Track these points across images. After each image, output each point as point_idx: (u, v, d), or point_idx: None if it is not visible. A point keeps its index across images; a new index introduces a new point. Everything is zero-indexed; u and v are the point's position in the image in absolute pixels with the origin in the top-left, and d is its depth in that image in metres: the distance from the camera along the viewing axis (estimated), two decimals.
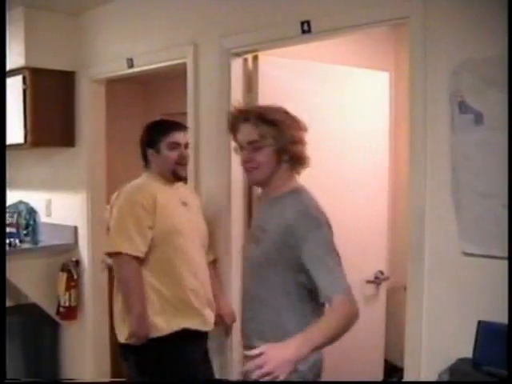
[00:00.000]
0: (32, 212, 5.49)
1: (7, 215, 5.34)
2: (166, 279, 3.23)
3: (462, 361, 2.61)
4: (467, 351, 2.59)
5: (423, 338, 2.93)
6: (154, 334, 3.19)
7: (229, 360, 3.81)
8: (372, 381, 4.41)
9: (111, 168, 5.23)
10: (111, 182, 5.27)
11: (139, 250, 3.16)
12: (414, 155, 2.95)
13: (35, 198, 5.53)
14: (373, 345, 4.39)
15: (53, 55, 4.94)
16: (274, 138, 2.69)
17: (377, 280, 4.32)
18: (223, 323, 3.60)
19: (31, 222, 5.45)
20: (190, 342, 3.28)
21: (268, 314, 2.66)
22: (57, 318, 5.19)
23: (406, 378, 3.06)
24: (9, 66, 4.89)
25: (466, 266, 2.75)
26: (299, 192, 2.78)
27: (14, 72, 4.89)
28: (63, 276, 5.06)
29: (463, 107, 2.72)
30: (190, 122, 4.02)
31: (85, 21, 4.98)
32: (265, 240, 2.66)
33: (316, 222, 2.64)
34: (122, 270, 3.19)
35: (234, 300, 3.68)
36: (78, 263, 5.14)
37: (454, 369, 2.58)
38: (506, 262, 2.53)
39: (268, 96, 3.82)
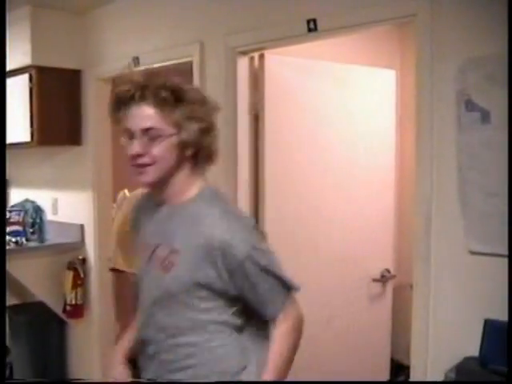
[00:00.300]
0: (38, 210, 5.49)
1: (14, 213, 5.34)
2: None
3: (468, 359, 2.61)
4: (474, 350, 2.58)
5: (430, 337, 2.93)
6: None
7: None
8: (378, 380, 4.40)
9: (117, 166, 5.23)
10: (117, 181, 5.28)
11: (133, 266, 3.11)
12: (421, 154, 2.94)
13: (42, 197, 5.54)
14: (379, 343, 4.39)
15: (59, 54, 4.95)
16: (179, 124, 2.11)
17: (383, 278, 4.32)
18: None
19: (38, 221, 5.45)
20: None
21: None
22: (63, 317, 5.20)
23: (413, 377, 3.06)
24: (15, 64, 4.91)
25: (473, 264, 2.74)
26: (215, 196, 2.26)
27: (21, 71, 4.91)
28: (70, 274, 5.07)
29: (470, 105, 2.71)
30: None
31: (91, 19, 4.98)
32: (180, 264, 2.11)
33: (254, 233, 2.21)
34: (117, 286, 3.15)
35: None
36: (84, 261, 5.15)
37: (460, 367, 2.58)
38: None
39: (274, 95, 3.83)
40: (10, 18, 4.75)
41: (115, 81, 4.51)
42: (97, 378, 5.11)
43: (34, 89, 4.84)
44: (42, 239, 5.36)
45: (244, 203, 3.83)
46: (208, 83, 3.98)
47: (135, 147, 2.12)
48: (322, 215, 4.04)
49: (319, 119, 4.00)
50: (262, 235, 2.28)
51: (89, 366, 5.24)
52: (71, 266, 5.10)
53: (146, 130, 2.08)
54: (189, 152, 2.15)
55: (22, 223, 5.29)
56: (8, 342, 5.31)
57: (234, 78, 3.81)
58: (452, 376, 2.59)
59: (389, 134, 4.32)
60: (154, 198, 2.29)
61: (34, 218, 5.45)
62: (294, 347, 2.26)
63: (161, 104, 2.07)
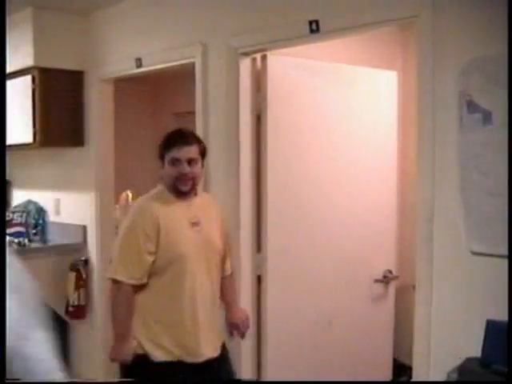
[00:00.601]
0: (41, 211, 5.50)
1: (16, 215, 5.35)
2: (167, 305, 3.14)
3: (470, 360, 2.61)
4: (476, 350, 2.58)
5: (432, 337, 2.93)
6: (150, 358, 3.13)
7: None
8: (380, 380, 4.41)
9: (120, 167, 5.24)
10: (120, 182, 5.29)
11: (134, 277, 3.07)
12: (422, 154, 2.95)
13: (44, 198, 5.55)
14: (381, 344, 4.39)
15: (61, 55, 4.96)
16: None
17: (385, 279, 4.32)
18: (238, 331, 3.50)
19: (40, 222, 5.46)
20: (177, 372, 3.16)
21: None
22: (66, 318, 5.20)
23: (415, 377, 3.06)
24: (17, 66, 4.92)
25: (475, 265, 2.75)
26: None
27: (23, 72, 4.92)
28: (72, 275, 5.08)
29: (471, 107, 2.72)
30: (198, 122, 4.04)
31: (93, 21, 4.99)
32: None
33: None
34: (113, 296, 3.14)
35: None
36: (86, 262, 5.16)
37: (462, 368, 2.58)
38: None
39: (276, 95, 3.83)
40: (12, 19, 4.77)
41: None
42: (99, 378, 5.12)
43: (37, 90, 4.85)
44: (44, 240, 5.37)
45: (246, 203, 3.84)
46: (210, 84, 3.99)
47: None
48: (324, 216, 4.04)
49: (321, 120, 4.00)
50: None
51: (91, 366, 5.24)
52: (74, 267, 5.10)
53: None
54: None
55: (25, 224, 5.31)
56: None
57: (236, 79, 3.82)
58: (454, 376, 2.59)
59: (391, 135, 4.33)
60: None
61: (37, 219, 5.46)
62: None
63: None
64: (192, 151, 3.14)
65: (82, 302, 5.10)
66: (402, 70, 4.67)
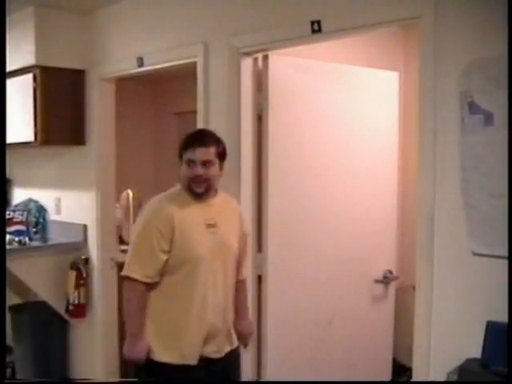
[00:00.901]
0: (42, 210, 5.51)
1: (17, 213, 5.35)
2: (177, 306, 3.13)
3: (470, 361, 2.61)
4: (476, 351, 2.59)
5: (432, 338, 2.93)
6: (152, 357, 3.13)
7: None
8: (380, 381, 4.41)
9: (121, 166, 5.25)
10: (121, 181, 5.30)
11: (148, 275, 3.07)
12: (424, 155, 2.95)
13: (45, 196, 5.55)
14: (381, 344, 4.40)
15: (63, 54, 4.96)
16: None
17: (386, 279, 4.32)
18: (242, 340, 3.47)
19: (41, 220, 5.47)
20: (184, 374, 3.15)
21: None
22: (66, 316, 5.21)
23: (415, 378, 3.06)
24: (19, 64, 4.92)
25: (475, 266, 2.75)
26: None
27: (25, 70, 4.92)
28: (72, 274, 5.07)
29: (473, 107, 2.72)
30: (199, 121, 4.04)
31: (95, 19, 4.99)
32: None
33: None
34: (126, 293, 3.14)
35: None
36: (87, 261, 5.16)
37: (462, 369, 2.58)
38: None
39: (278, 95, 3.84)
40: (14, 18, 4.78)
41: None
42: (99, 377, 5.13)
43: (38, 89, 4.85)
44: (44, 239, 5.37)
45: (247, 203, 3.84)
46: (212, 84, 3.99)
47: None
48: (324, 216, 4.04)
49: (322, 120, 4.01)
50: None
51: (91, 365, 5.25)
52: (74, 266, 5.10)
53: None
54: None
55: (25, 223, 5.30)
56: (11, 341, 5.32)
57: (237, 79, 3.82)
58: (454, 377, 2.59)
59: (392, 135, 4.33)
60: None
61: (37, 217, 5.47)
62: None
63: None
64: (208, 153, 3.11)
65: (83, 301, 5.10)
66: (403, 71, 4.68)
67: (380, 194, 4.27)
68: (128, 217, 5.88)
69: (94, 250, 5.14)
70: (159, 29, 4.38)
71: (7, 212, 5.30)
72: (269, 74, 3.82)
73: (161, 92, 7.00)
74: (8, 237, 5.01)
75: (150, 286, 3.10)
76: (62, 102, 5.00)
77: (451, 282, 2.86)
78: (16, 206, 5.60)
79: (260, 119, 3.87)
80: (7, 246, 4.82)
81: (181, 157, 3.18)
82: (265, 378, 3.91)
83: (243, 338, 3.45)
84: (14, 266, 4.75)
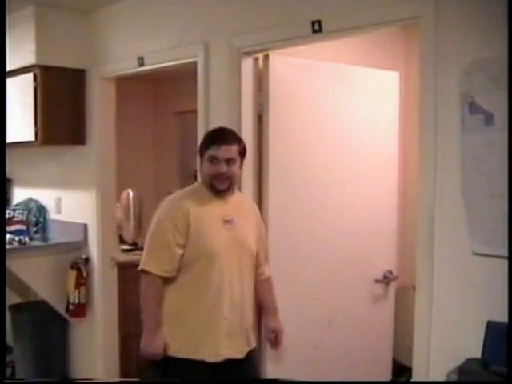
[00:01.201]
0: (42, 209, 5.51)
1: (17, 212, 5.36)
2: (192, 301, 3.14)
3: (470, 361, 2.61)
4: (476, 351, 2.59)
5: (432, 338, 2.93)
6: (169, 353, 3.13)
7: None
8: (380, 381, 4.41)
9: (121, 166, 5.25)
10: (121, 180, 5.30)
11: (164, 269, 3.08)
12: (424, 155, 2.95)
13: (45, 196, 5.55)
14: (381, 344, 4.39)
15: (63, 53, 4.96)
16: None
17: (386, 279, 4.32)
18: (276, 339, 3.49)
19: (41, 220, 5.47)
20: (198, 371, 3.14)
21: None
22: (66, 316, 5.21)
23: (415, 378, 3.07)
24: (19, 63, 4.92)
25: (476, 265, 2.75)
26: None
27: (25, 70, 4.92)
28: (73, 273, 5.07)
29: (473, 107, 2.72)
30: (200, 121, 4.04)
31: (95, 19, 4.99)
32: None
33: None
34: (143, 287, 3.14)
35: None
36: (87, 261, 5.16)
37: (462, 369, 2.58)
38: None
39: (278, 95, 3.84)
40: (14, 17, 4.78)
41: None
42: (99, 377, 5.13)
43: (39, 88, 4.85)
44: (45, 238, 5.37)
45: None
46: (212, 83, 3.99)
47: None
48: (324, 216, 4.04)
49: (323, 120, 4.01)
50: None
51: (91, 365, 5.25)
52: (74, 266, 5.10)
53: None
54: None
55: (26, 222, 5.31)
56: (11, 340, 5.32)
57: (238, 79, 3.82)
58: (454, 377, 2.59)
59: (392, 135, 4.33)
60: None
61: (38, 217, 5.47)
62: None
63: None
64: (231, 151, 3.15)
65: (83, 301, 5.10)
66: (403, 71, 4.67)
67: (380, 194, 4.26)
68: (128, 216, 5.89)
69: (94, 249, 5.14)
70: (160, 28, 4.38)
71: (7, 211, 5.31)
72: (269, 74, 3.82)
73: (161, 91, 7.00)
74: (8, 236, 5.01)
75: (166, 281, 3.12)
76: (63, 102, 5.00)
77: (451, 282, 2.86)
78: (16, 205, 5.60)
79: (260, 119, 3.87)
80: (7, 246, 4.82)
81: (201, 154, 3.21)
82: (264, 377, 3.91)
83: (276, 336, 3.47)
84: (14, 265, 4.76)
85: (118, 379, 5.18)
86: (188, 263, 3.10)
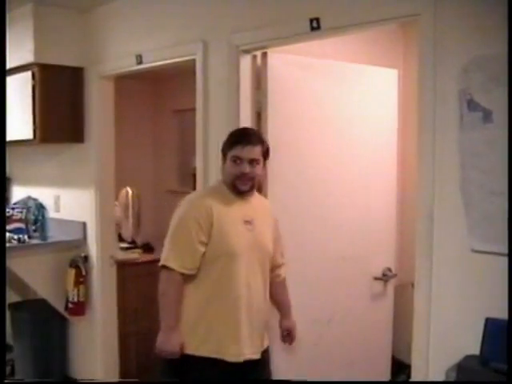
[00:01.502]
0: (41, 208, 5.51)
1: (16, 211, 5.36)
2: (212, 300, 3.12)
3: (469, 358, 2.62)
4: (475, 348, 2.59)
5: (431, 335, 2.93)
6: (186, 352, 3.11)
7: None
8: (380, 381, 4.41)
9: (120, 164, 5.25)
10: (120, 178, 5.29)
11: (186, 267, 3.07)
12: (423, 152, 2.95)
13: (44, 194, 5.55)
14: (380, 342, 4.40)
15: (62, 51, 4.96)
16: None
17: (385, 277, 4.32)
18: (290, 337, 3.55)
19: (40, 218, 5.47)
20: (217, 370, 3.14)
21: None
22: (65, 314, 5.21)
23: (414, 375, 3.07)
24: (18, 62, 4.92)
25: (475, 263, 2.75)
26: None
27: (23, 68, 4.92)
28: (72, 272, 5.08)
29: (472, 105, 2.72)
30: (198, 119, 4.04)
31: (94, 17, 4.99)
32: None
33: None
34: (163, 284, 3.10)
35: None
36: (86, 259, 5.16)
37: (461, 366, 2.59)
38: None
39: (277, 93, 3.83)
40: (13, 15, 4.78)
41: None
42: (99, 375, 5.13)
43: (37, 86, 4.85)
44: (44, 237, 5.38)
45: None
46: (211, 81, 3.99)
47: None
48: (323, 214, 4.04)
49: (321, 117, 4.00)
50: None
51: (91, 363, 5.25)
52: (73, 264, 5.10)
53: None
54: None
55: (25, 220, 5.32)
56: (10, 339, 5.32)
57: (236, 77, 3.82)
58: (453, 375, 2.59)
59: (391, 132, 4.33)
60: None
61: (37, 215, 5.47)
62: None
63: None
64: (255, 151, 3.15)
65: (82, 299, 5.10)
66: (402, 68, 4.68)
67: (379, 192, 4.26)
68: (127, 214, 5.89)
69: (93, 247, 5.14)
70: (158, 26, 4.38)
71: (6, 210, 5.31)
72: (268, 72, 3.81)
73: (160, 89, 6.99)
74: (7, 235, 5.01)
75: (186, 279, 3.10)
76: (61, 100, 5.00)
77: (450, 279, 2.86)
78: (15, 203, 5.60)
79: (259, 116, 3.87)
80: (6, 244, 4.81)
81: (224, 154, 3.21)
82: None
83: (291, 335, 3.51)
84: (14, 263, 4.76)
85: (117, 379, 5.18)
86: (209, 262, 3.09)
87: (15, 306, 5.38)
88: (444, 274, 2.88)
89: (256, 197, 3.34)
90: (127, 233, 5.91)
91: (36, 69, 4.84)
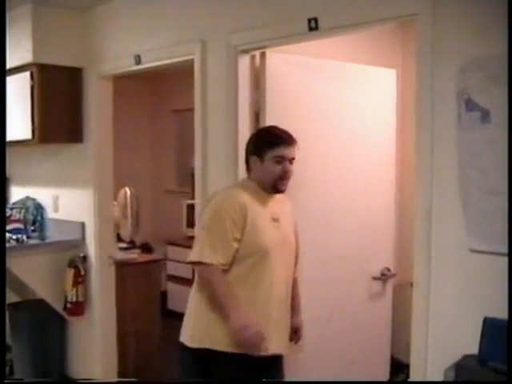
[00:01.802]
0: (39, 208, 5.51)
1: (15, 211, 5.36)
2: (243, 296, 3.11)
3: (467, 357, 2.62)
4: (473, 347, 2.59)
5: (429, 335, 2.94)
6: (211, 346, 3.11)
7: None
8: (379, 381, 4.41)
9: (119, 164, 5.25)
10: (118, 178, 5.30)
11: (220, 262, 3.05)
12: (421, 152, 2.96)
13: (43, 194, 5.55)
14: (379, 341, 4.40)
15: (60, 51, 4.96)
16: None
17: (383, 277, 4.33)
18: (297, 336, 3.50)
19: (38, 218, 5.47)
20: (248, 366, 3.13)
21: None
22: (64, 314, 5.21)
23: (412, 374, 3.07)
24: (16, 62, 4.92)
25: (473, 262, 2.75)
26: None
27: (22, 68, 4.92)
28: (70, 272, 5.08)
29: (470, 105, 2.72)
30: (197, 119, 4.04)
31: (92, 17, 4.99)
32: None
33: None
34: (206, 278, 3.11)
35: None
36: (85, 259, 5.16)
37: (459, 365, 2.59)
38: None
39: (275, 93, 3.83)
40: (11, 15, 4.77)
41: None
42: (97, 376, 5.13)
43: (36, 86, 4.85)
44: (42, 237, 5.38)
45: None
46: (209, 81, 3.99)
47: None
48: (322, 213, 4.04)
49: (320, 117, 4.01)
50: None
51: (89, 363, 5.25)
52: (72, 264, 5.10)
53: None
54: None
55: (23, 221, 5.32)
56: (9, 339, 5.32)
57: (235, 77, 3.82)
58: (451, 374, 2.59)
59: (389, 132, 4.33)
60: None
61: (35, 215, 5.47)
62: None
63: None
64: (293, 151, 3.22)
65: (81, 299, 5.10)
66: (401, 68, 4.68)
67: (378, 192, 4.27)
68: (126, 214, 5.88)
69: (91, 247, 5.14)
70: (157, 26, 4.38)
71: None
72: (266, 72, 3.81)
73: (158, 89, 7.01)
74: (6, 235, 5.01)
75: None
76: (60, 100, 5.00)
77: (449, 279, 2.87)
78: (14, 204, 5.60)
79: (257, 117, 3.87)
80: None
81: (260, 154, 3.21)
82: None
83: (298, 334, 3.48)
84: (12, 264, 4.75)
85: (116, 379, 5.18)
86: (241, 258, 3.10)
87: (14, 306, 5.38)
88: (442, 273, 2.89)
89: (278, 196, 3.34)
90: (126, 233, 5.91)
91: (35, 69, 4.84)
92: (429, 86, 2.89)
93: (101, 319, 5.13)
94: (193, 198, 4.48)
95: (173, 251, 7.63)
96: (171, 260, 7.64)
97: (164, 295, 7.34)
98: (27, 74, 4.88)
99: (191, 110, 4.17)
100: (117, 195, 5.67)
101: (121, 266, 5.27)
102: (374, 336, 4.34)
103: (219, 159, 3.94)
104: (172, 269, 7.65)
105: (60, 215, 5.41)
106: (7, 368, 5.40)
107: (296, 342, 3.52)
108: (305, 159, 3.94)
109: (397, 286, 4.50)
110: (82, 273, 5.09)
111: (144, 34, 4.49)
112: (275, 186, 3.19)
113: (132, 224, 5.88)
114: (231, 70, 3.83)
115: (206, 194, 3.99)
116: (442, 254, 2.89)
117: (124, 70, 4.74)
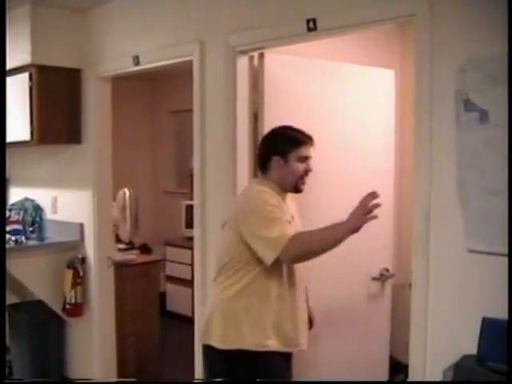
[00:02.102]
0: (38, 209, 5.51)
1: (13, 212, 5.36)
2: (275, 292, 3.13)
3: (466, 357, 2.62)
4: (472, 348, 2.59)
5: (428, 335, 2.94)
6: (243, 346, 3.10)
7: None
8: (376, 380, 4.41)
9: (117, 165, 5.25)
10: (117, 179, 5.29)
11: (293, 231, 3.03)
12: (420, 153, 2.96)
13: (41, 195, 5.55)
14: (378, 341, 4.40)
15: (59, 52, 4.96)
16: None
17: (382, 277, 4.33)
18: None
19: (37, 219, 5.47)
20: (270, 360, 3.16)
21: None
22: (63, 315, 5.21)
23: (411, 375, 3.07)
24: (15, 63, 4.92)
25: (471, 263, 2.76)
26: None
27: (21, 69, 4.91)
28: (69, 273, 5.08)
29: (468, 105, 2.73)
30: (195, 119, 4.04)
31: (91, 18, 4.99)
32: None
33: None
34: (299, 244, 3.04)
35: None
36: (84, 260, 5.15)
37: (458, 365, 2.59)
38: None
39: (273, 94, 3.83)
40: (10, 16, 4.76)
41: None
42: (96, 376, 5.13)
43: (34, 87, 4.85)
44: (41, 238, 5.37)
45: None
46: (208, 82, 3.99)
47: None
48: (321, 214, 4.02)
49: (318, 118, 4.00)
50: None
51: (88, 364, 5.25)
52: (71, 265, 5.10)
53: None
54: None
55: (22, 222, 5.31)
56: (8, 340, 5.32)
57: (233, 77, 3.82)
58: (450, 374, 2.60)
59: (388, 133, 4.33)
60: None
61: (34, 216, 5.46)
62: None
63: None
64: (313, 150, 3.30)
65: (79, 300, 5.10)
66: (399, 69, 4.68)
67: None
68: (124, 215, 5.88)
69: (90, 248, 5.14)
70: (155, 27, 4.38)
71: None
72: (265, 73, 3.81)
73: (157, 90, 7.01)
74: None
75: (259, 265, 3.08)
76: (59, 101, 5.00)
77: (447, 280, 2.87)
78: (12, 205, 5.59)
79: (256, 117, 3.87)
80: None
81: (283, 154, 3.21)
82: None
83: (310, 320, 3.50)
84: (11, 265, 4.75)
85: (115, 379, 5.18)
86: None
87: (13, 308, 5.37)
88: (441, 274, 2.89)
89: (289, 195, 3.36)
90: (125, 234, 5.90)
91: (33, 70, 4.84)
92: (427, 87, 2.89)
93: (100, 320, 5.13)
94: (192, 198, 4.46)
95: (172, 252, 7.63)
96: (170, 261, 7.65)
97: (163, 296, 7.35)
98: (26, 75, 4.88)
99: (190, 110, 4.17)
100: (116, 196, 5.67)
101: (120, 266, 5.27)
102: (372, 336, 4.34)
103: (218, 160, 3.94)
104: (171, 270, 7.66)
105: (59, 216, 5.41)
106: (7, 369, 5.39)
107: (309, 329, 3.53)
108: None
109: (396, 286, 4.50)
110: (81, 274, 5.10)
111: (142, 34, 4.49)
112: (296, 185, 3.22)
113: (131, 225, 5.87)
114: (230, 71, 3.83)
115: (204, 195, 3.99)
116: (440, 255, 2.89)
117: (122, 70, 4.74)
